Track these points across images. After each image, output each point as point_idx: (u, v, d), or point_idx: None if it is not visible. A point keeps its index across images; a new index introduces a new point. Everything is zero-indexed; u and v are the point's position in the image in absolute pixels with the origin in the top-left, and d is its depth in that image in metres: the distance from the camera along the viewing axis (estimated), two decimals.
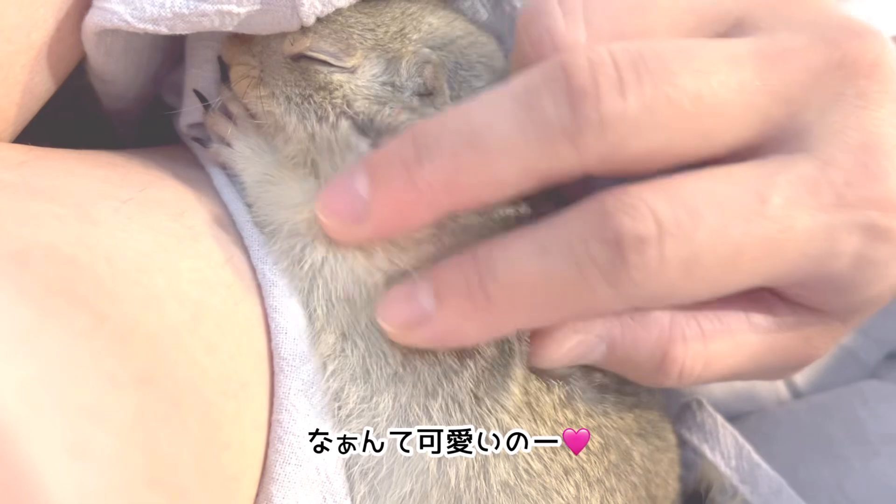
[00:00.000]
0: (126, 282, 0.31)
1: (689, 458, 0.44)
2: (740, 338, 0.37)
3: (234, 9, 0.39)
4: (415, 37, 0.41)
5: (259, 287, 0.38)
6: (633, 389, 0.42)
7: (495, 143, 0.32)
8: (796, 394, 0.51)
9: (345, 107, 0.40)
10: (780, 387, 0.52)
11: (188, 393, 0.31)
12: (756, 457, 0.42)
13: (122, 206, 0.36)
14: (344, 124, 0.40)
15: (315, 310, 0.39)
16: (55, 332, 0.26)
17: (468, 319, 0.35)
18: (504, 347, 0.38)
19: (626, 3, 0.37)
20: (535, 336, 0.38)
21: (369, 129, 0.40)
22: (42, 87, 0.42)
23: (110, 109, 0.48)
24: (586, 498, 0.38)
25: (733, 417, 0.48)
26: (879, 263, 0.35)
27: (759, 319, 0.37)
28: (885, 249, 0.34)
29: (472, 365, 0.38)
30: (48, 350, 0.25)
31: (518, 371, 0.38)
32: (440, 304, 0.35)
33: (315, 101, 0.40)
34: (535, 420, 0.38)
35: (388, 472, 0.37)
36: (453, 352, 0.38)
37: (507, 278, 0.34)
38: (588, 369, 0.40)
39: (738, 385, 0.52)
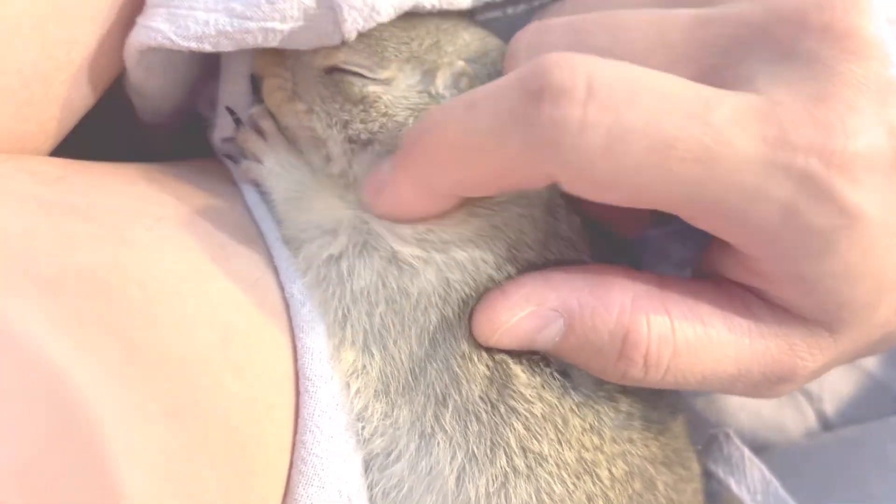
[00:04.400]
0: (158, 306, 0.32)
1: (714, 490, 0.44)
2: (714, 333, 0.35)
3: (278, 25, 0.39)
4: (450, 49, 0.42)
5: (287, 306, 0.39)
6: (660, 417, 0.42)
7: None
8: (826, 425, 0.51)
9: (386, 117, 0.40)
10: (809, 417, 0.51)
11: (216, 421, 0.31)
12: (783, 493, 0.41)
13: (156, 225, 0.36)
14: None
15: (335, 313, 0.39)
16: (89, 367, 0.26)
17: (407, 177, 0.36)
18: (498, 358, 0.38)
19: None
20: (484, 304, 0.37)
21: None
22: (81, 101, 0.42)
23: (146, 122, 0.49)
24: None
25: (760, 447, 0.48)
26: (819, 231, 0.32)
27: (735, 317, 0.35)
28: (823, 214, 0.31)
29: (477, 367, 0.38)
30: (82, 387, 0.26)
31: (521, 374, 0.38)
32: (393, 167, 0.37)
33: (354, 115, 0.41)
34: (560, 442, 0.38)
35: (408, 491, 0.38)
36: (457, 354, 0.38)
37: (436, 130, 0.35)
38: (613, 395, 0.40)
39: (766, 413, 0.51)
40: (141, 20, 0.40)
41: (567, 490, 0.38)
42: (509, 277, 0.38)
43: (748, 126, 0.31)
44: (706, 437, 0.45)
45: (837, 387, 0.49)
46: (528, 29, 0.39)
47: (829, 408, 0.50)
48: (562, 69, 0.31)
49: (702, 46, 0.34)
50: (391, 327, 0.38)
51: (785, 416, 0.50)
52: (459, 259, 0.38)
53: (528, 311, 0.36)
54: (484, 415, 0.37)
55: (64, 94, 0.40)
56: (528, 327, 0.36)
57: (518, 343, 0.37)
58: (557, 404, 0.38)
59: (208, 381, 0.32)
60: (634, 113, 0.31)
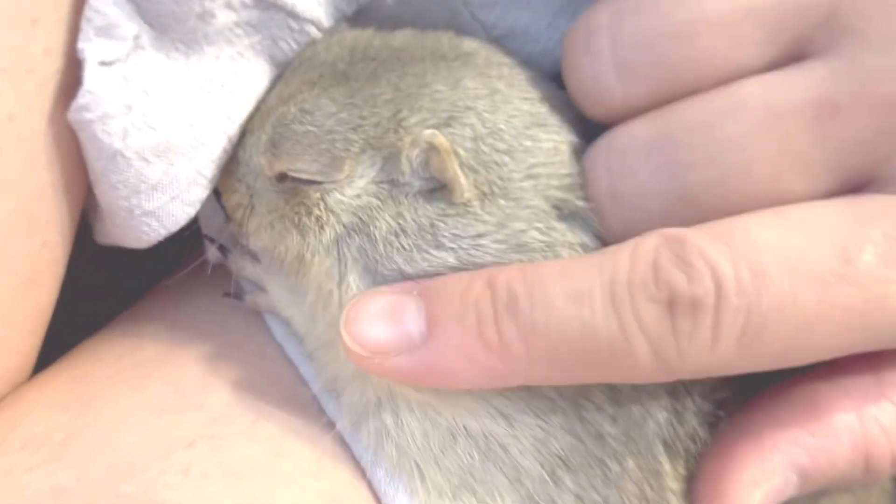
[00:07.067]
0: None
1: None
2: None
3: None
4: (413, 119, 0.33)
5: (359, 468, 0.35)
6: None
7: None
8: None
9: (331, 220, 0.34)
10: None
11: None
12: None
13: (192, 458, 0.32)
14: (330, 233, 0.34)
15: (409, 469, 0.34)
16: None
17: (468, 360, 0.30)
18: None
19: (665, 26, 0.31)
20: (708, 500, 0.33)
21: (364, 240, 0.34)
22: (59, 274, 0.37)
23: None
24: None
25: None
26: None
27: None
28: None
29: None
30: None
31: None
32: (434, 333, 0.30)
33: (293, 220, 0.35)
34: None
35: None
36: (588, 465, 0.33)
37: (531, 321, 0.29)
38: None
39: None
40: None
41: None
42: None
43: None
44: None
45: None
46: (601, 145, 0.33)
47: None
48: (688, 275, 0.28)
49: (837, 149, 0.29)
50: (472, 467, 0.34)
51: None
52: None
53: (761, 495, 0.31)
54: None
55: (31, 305, 0.35)
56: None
57: None
58: None
59: None
60: (766, 302, 0.28)
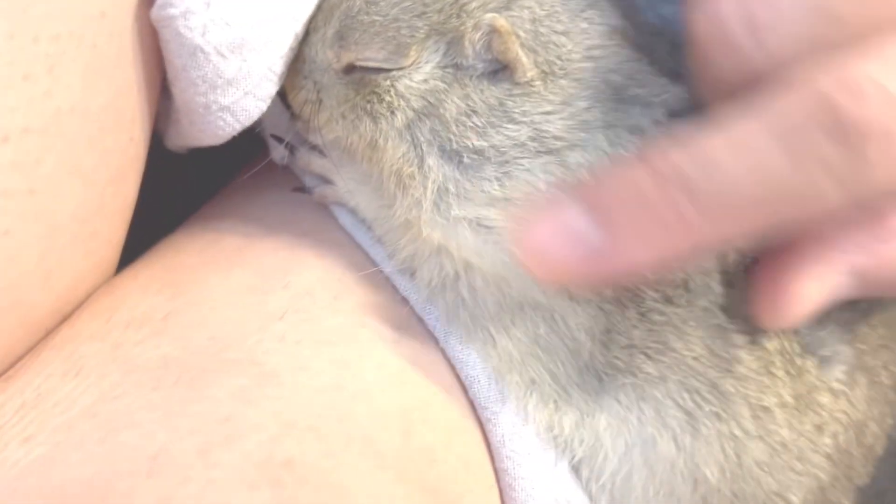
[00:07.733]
0: (346, 450, 0.32)
1: None
2: None
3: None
4: (474, 4, 0.35)
5: (433, 337, 0.38)
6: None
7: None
8: None
9: (402, 105, 0.36)
10: None
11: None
12: None
13: (285, 329, 0.35)
14: (402, 117, 0.36)
15: (482, 334, 0.37)
16: None
17: (652, 246, 0.30)
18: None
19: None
20: (762, 296, 0.33)
21: (435, 123, 0.36)
22: (134, 189, 0.40)
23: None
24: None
25: None
26: None
27: None
28: None
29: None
30: None
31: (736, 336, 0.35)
32: (612, 231, 0.30)
33: (365, 109, 0.37)
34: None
35: (626, 476, 0.37)
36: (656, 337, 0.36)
37: (706, 188, 0.28)
38: None
39: None
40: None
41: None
42: None
43: None
44: None
45: None
46: None
47: None
48: (861, 101, 0.27)
49: None
50: (538, 336, 0.37)
51: None
52: None
53: (817, 289, 0.32)
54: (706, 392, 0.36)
55: (120, 199, 0.38)
56: (819, 302, 0.33)
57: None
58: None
59: (410, 478, 0.33)
60: None
